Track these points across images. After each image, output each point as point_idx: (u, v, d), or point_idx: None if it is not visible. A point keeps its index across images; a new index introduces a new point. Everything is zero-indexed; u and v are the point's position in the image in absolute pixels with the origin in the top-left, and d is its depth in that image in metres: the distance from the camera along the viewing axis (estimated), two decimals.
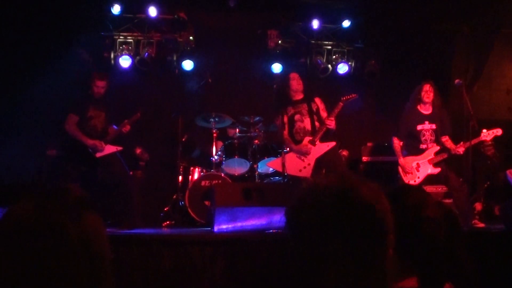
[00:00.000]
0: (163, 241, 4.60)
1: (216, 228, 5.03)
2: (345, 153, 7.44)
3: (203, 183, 6.52)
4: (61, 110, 6.23)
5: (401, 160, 6.00)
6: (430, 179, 6.01)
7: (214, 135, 7.00)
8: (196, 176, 6.78)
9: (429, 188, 6.17)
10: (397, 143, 6.09)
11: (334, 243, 1.07)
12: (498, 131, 5.84)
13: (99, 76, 6.14)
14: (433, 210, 1.72)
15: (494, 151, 7.05)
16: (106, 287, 1.10)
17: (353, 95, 6.15)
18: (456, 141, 5.91)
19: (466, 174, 5.88)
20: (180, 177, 6.81)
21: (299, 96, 6.29)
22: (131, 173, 6.44)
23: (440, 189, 6.47)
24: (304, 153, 6.06)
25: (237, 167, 6.78)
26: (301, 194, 1.15)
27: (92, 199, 1.15)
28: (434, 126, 5.99)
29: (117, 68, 7.77)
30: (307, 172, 6.03)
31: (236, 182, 6.55)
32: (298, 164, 6.08)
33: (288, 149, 6.18)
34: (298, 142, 6.12)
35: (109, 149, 6.04)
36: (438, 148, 5.95)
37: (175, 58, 8.00)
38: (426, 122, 6.00)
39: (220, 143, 7.07)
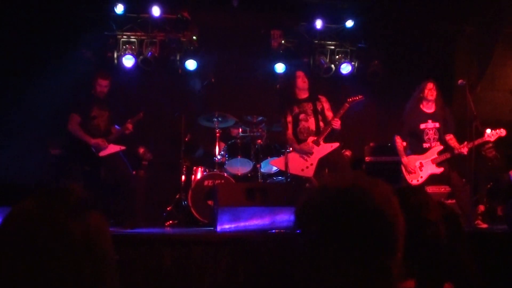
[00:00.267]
0: (166, 240, 4.60)
1: (219, 228, 5.02)
2: (348, 153, 7.44)
3: (206, 182, 6.52)
4: (65, 109, 6.23)
5: (404, 159, 5.97)
6: (433, 179, 5.97)
7: (217, 134, 7.01)
8: (199, 175, 6.78)
9: (432, 189, 6.15)
10: (399, 142, 6.06)
11: (342, 245, 1.07)
12: (502, 132, 5.81)
13: (102, 76, 6.15)
14: (434, 211, 1.72)
15: (495, 153, 7.03)
16: (111, 287, 1.10)
17: (359, 97, 6.11)
18: (459, 142, 5.88)
19: (468, 174, 5.86)
20: (183, 177, 6.81)
21: (304, 95, 6.29)
22: (134, 172, 6.43)
23: (443, 189, 6.43)
24: (306, 152, 6.06)
25: (240, 167, 6.78)
26: (311, 194, 1.15)
27: (95, 199, 1.15)
28: (437, 125, 5.93)
29: (120, 67, 7.78)
30: (309, 172, 6.04)
31: (239, 182, 6.55)
32: (301, 163, 6.08)
33: (291, 148, 6.18)
34: (302, 141, 6.12)
35: (112, 148, 6.04)
36: (441, 147, 5.90)
37: (178, 58, 8.01)
38: (429, 121, 5.95)
39: (223, 143, 7.07)
